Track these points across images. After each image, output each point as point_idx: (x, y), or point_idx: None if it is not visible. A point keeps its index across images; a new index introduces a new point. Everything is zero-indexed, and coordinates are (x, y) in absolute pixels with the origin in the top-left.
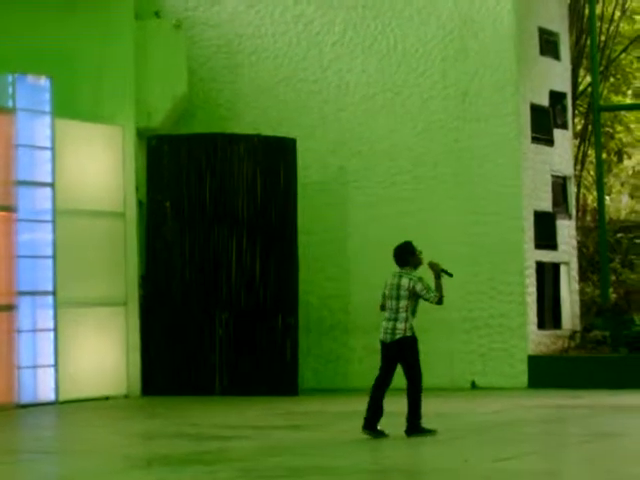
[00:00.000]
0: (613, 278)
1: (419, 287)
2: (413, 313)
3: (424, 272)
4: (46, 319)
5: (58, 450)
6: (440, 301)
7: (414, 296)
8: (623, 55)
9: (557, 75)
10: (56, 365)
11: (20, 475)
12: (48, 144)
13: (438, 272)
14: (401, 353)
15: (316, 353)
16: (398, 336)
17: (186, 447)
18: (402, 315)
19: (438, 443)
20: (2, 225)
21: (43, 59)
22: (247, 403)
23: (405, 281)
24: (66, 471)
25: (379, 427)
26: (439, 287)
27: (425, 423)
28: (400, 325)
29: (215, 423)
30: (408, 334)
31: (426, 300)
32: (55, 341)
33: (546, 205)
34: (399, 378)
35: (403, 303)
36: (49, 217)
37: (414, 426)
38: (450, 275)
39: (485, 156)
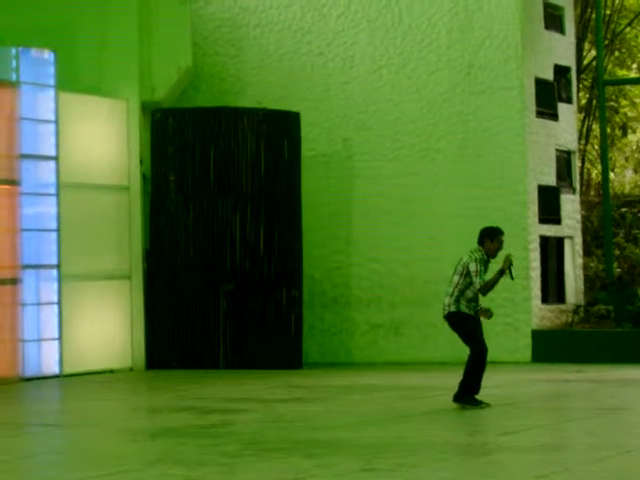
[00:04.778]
0: (617, 253)
1: (472, 267)
2: (462, 292)
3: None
4: (50, 292)
5: (63, 423)
6: (482, 291)
7: (468, 275)
8: (628, 29)
9: (562, 49)
10: (60, 338)
11: (25, 448)
12: (52, 117)
13: (504, 269)
14: (452, 328)
15: (320, 327)
16: (445, 312)
17: (191, 420)
18: (449, 290)
19: (443, 417)
20: (6, 199)
21: (47, 32)
22: (251, 376)
23: (465, 257)
24: (71, 444)
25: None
26: (493, 280)
27: (436, 396)
28: (446, 300)
29: (220, 396)
30: (452, 309)
31: (472, 283)
32: (59, 314)
33: (550, 179)
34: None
35: (455, 278)
36: (53, 191)
37: (460, 394)
38: (512, 278)
39: (490, 130)
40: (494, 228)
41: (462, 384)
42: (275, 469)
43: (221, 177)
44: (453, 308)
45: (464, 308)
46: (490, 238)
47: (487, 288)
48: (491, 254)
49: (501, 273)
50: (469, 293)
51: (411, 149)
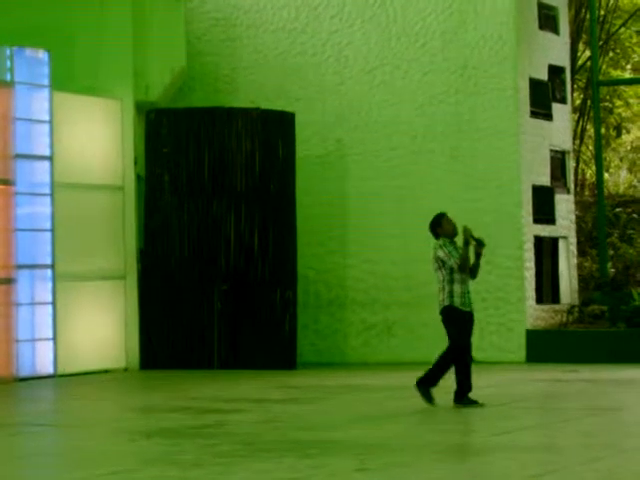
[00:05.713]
0: (611, 253)
1: (441, 253)
2: (452, 282)
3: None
4: (45, 292)
5: (57, 423)
6: (463, 268)
7: (443, 263)
8: (622, 29)
9: (556, 49)
10: (55, 338)
11: (19, 448)
12: (46, 117)
13: (467, 238)
14: (443, 323)
15: (314, 327)
16: (440, 307)
17: (186, 420)
18: (440, 286)
19: (436, 417)
20: (0, 198)
21: (41, 32)
22: (246, 377)
23: (433, 251)
24: (65, 444)
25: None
26: (465, 254)
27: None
28: (440, 296)
29: (214, 396)
30: (446, 303)
31: (451, 267)
32: (54, 314)
33: (545, 180)
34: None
35: (438, 274)
36: (47, 190)
37: (424, 379)
38: (481, 244)
39: (484, 130)
40: (435, 216)
41: (429, 371)
42: (270, 469)
43: (216, 177)
44: (447, 302)
45: (458, 302)
46: (439, 225)
47: (464, 261)
48: (450, 234)
49: (466, 243)
50: (457, 277)
51: (405, 150)
